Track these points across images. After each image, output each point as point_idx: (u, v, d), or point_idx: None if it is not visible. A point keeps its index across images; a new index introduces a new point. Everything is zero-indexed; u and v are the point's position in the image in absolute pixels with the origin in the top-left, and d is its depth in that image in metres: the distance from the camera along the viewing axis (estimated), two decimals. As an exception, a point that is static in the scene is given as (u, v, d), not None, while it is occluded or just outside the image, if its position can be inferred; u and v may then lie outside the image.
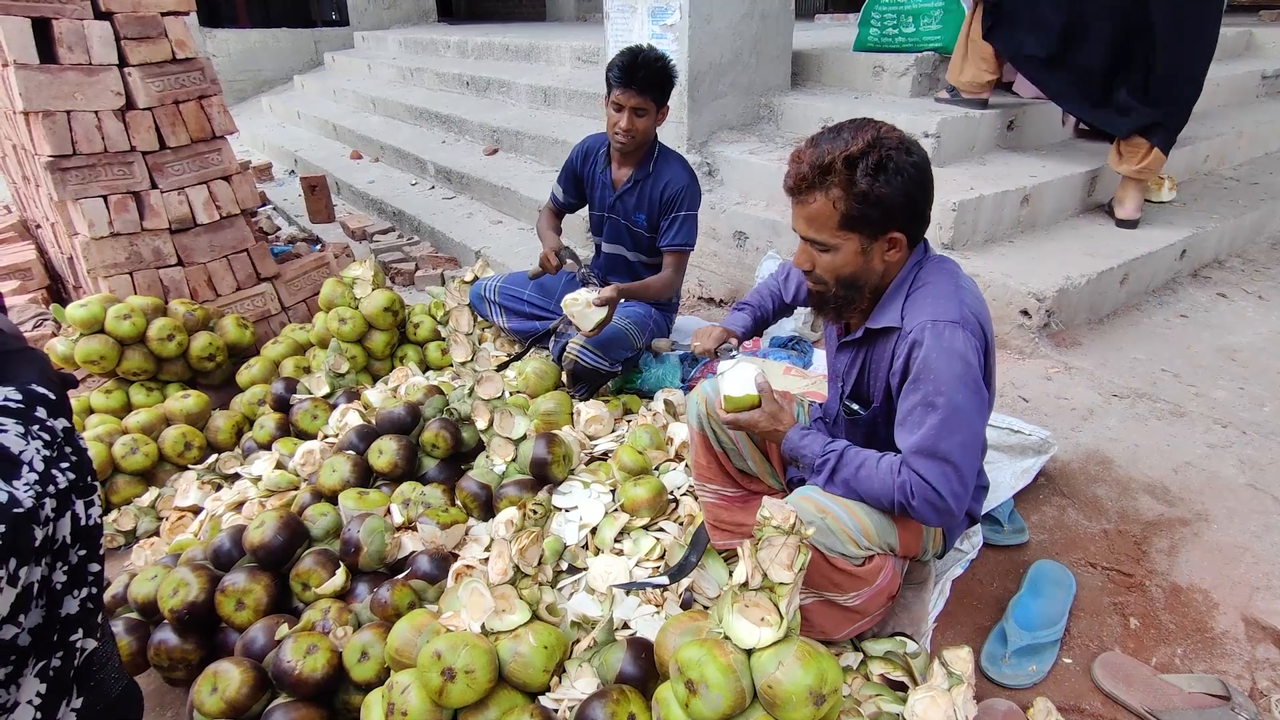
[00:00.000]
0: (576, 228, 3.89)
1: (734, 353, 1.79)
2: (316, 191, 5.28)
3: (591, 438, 2.51)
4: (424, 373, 3.01)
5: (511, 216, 4.53)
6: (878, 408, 1.59)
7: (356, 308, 3.03)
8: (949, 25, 3.46)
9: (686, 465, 2.35)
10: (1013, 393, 2.37)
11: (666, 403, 2.64)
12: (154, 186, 3.13)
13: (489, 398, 2.42)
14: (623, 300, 2.88)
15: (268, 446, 2.65)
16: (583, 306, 2.44)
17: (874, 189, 1.36)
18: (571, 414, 2.54)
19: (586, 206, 2.92)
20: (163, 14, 3.04)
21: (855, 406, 1.64)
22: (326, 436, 2.61)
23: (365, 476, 2.27)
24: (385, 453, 2.25)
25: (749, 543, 1.37)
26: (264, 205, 6.00)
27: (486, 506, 2.15)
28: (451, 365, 2.72)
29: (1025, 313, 2.55)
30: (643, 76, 2.41)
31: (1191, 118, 3.17)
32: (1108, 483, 2.01)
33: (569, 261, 2.74)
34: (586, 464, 2.37)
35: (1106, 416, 2.24)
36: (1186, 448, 2.10)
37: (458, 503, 2.18)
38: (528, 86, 5.60)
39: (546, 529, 1.87)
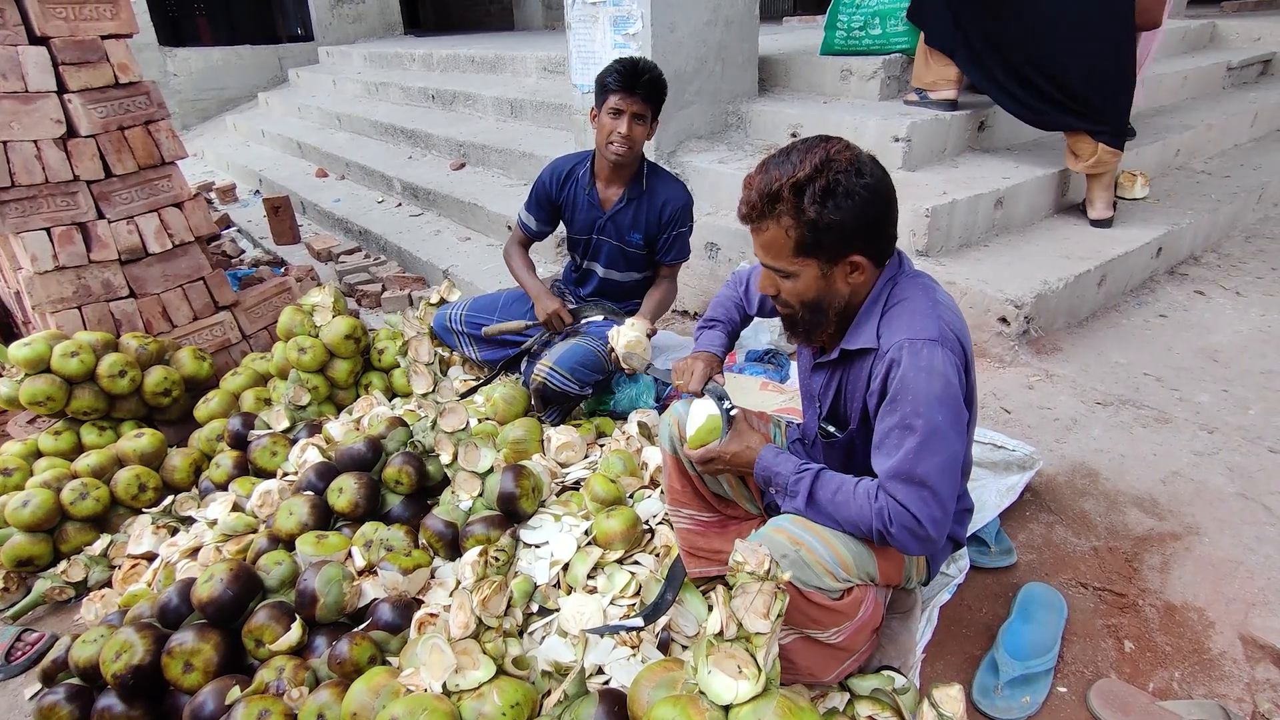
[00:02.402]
0: (545, 244, 3.80)
1: (724, 395, 1.70)
2: (280, 213, 5.15)
3: (563, 465, 2.42)
4: (390, 400, 2.91)
5: (480, 233, 4.43)
6: (855, 430, 1.52)
7: (317, 336, 2.92)
8: (914, 27, 3.41)
9: (662, 491, 2.26)
10: (994, 404, 2.31)
11: (640, 424, 2.55)
12: (101, 216, 3.00)
13: (453, 430, 2.32)
14: (597, 319, 2.79)
15: (225, 486, 2.53)
16: (643, 349, 2.33)
17: (823, 216, 1.29)
18: (542, 441, 2.45)
19: (562, 227, 2.81)
20: (103, 37, 2.92)
21: (832, 429, 1.57)
22: (286, 474, 2.50)
23: (325, 518, 2.16)
24: (345, 492, 2.14)
25: (722, 590, 1.28)
26: (228, 227, 5.87)
27: (453, 546, 2.05)
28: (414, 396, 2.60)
29: (1004, 320, 2.49)
30: (646, 82, 2.34)
31: (1161, 111, 3.15)
32: (1095, 496, 1.95)
33: (588, 308, 2.67)
34: (558, 494, 2.28)
35: (1091, 426, 2.18)
36: (1173, 456, 2.04)
37: (422, 542, 2.08)
38: (494, 99, 5.51)
39: (511, 575, 1.77)
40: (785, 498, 1.51)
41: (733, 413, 1.63)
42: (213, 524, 2.34)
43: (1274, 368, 2.42)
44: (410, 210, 5.04)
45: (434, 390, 2.54)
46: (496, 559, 1.73)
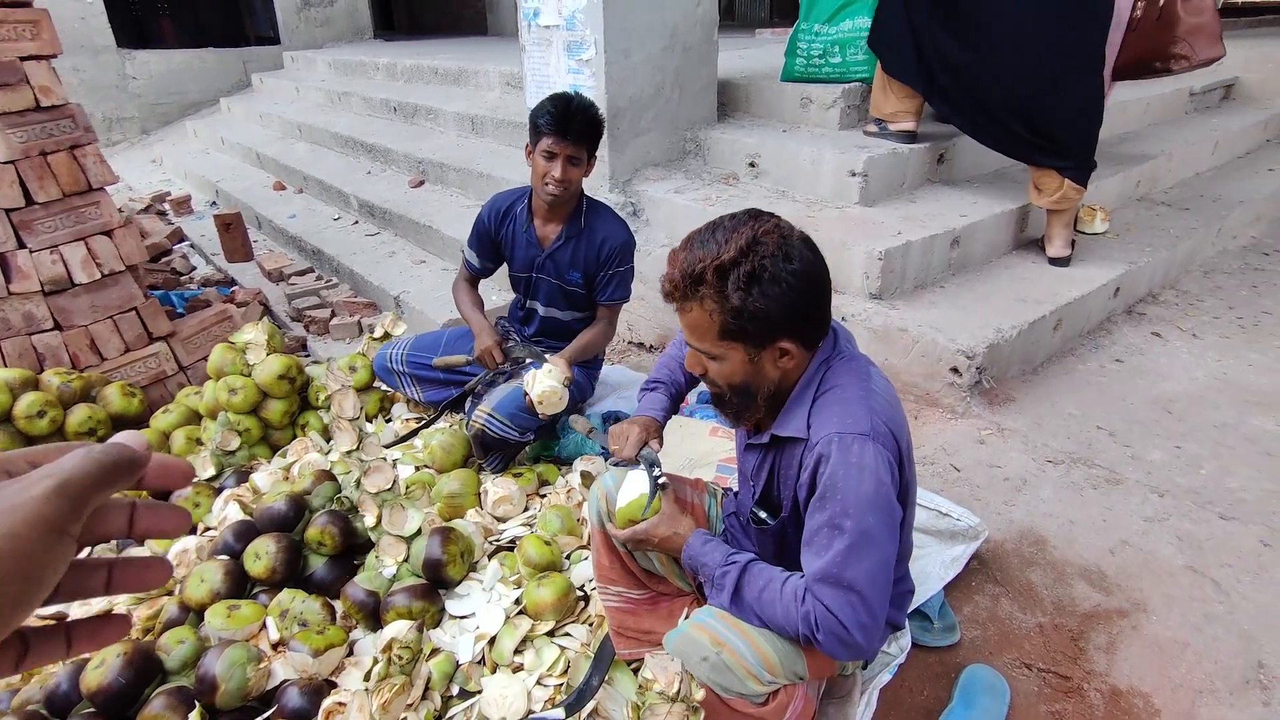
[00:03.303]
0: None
1: (655, 463, 1.61)
2: (232, 230, 4.99)
3: (501, 519, 2.32)
4: (328, 441, 2.78)
5: (435, 255, 4.31)
6: (786, 518, 1.43)
7: (249, 375, 2.79)
8: (874, 55, 3.35)
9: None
10: (944, 460, 2.24)
11: (584, 474, 2.46)
12: (22, 246, 2.85)
13: (377, 490, 2.20)
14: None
15: (142, 541, 2.40)
16: (558, 398, 2.28)
17: (748, 303, 1.21)
18: (479, 494, 2.34)
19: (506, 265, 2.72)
20: (22, 59, 2.77)
21: (764, 515, 1.48)
22: (209, 529, 2.37)
23: (240, 584, 2.04)
24: (263, 556, 2.02)
25: (631, 709, 1.19)
26: (180, 241, 5.69)
27: (375, 616, 1.94)
28: (342, 450, 2.47)
29: (955, 370, 2.42)
30: (578, 125, 2.25)
31: (1124, 139, 3.10)
32: (1043, 566, 1.88)
33: (518, 347, 2.58)
34: (492, 554, 2.17)
35: (1040, 487, 2.12)
36: (1123, 523, 1.99)
37: (342, 611, 1.96)
38: (455, 114, 5.38)
39: (415, 673, 1.66)
40: (711, 589, 1.42)
41: (662, 483, 1.54)
42: (126, 584, 2.20)
43: (1227, 420, 2.38)
44: (366, 229, 4.90)
45: (359, 447, 2.42)
46: (400, 657, 1.62)
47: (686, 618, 1.71)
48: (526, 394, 2.28)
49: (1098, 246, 3.23)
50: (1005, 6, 2.66)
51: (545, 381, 2.26)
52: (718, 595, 1.39)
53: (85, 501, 0.39)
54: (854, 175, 3.03)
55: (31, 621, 0.42)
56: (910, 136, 3.20)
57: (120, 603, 2.14)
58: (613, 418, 2.83)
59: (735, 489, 1.86)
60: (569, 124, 2.23)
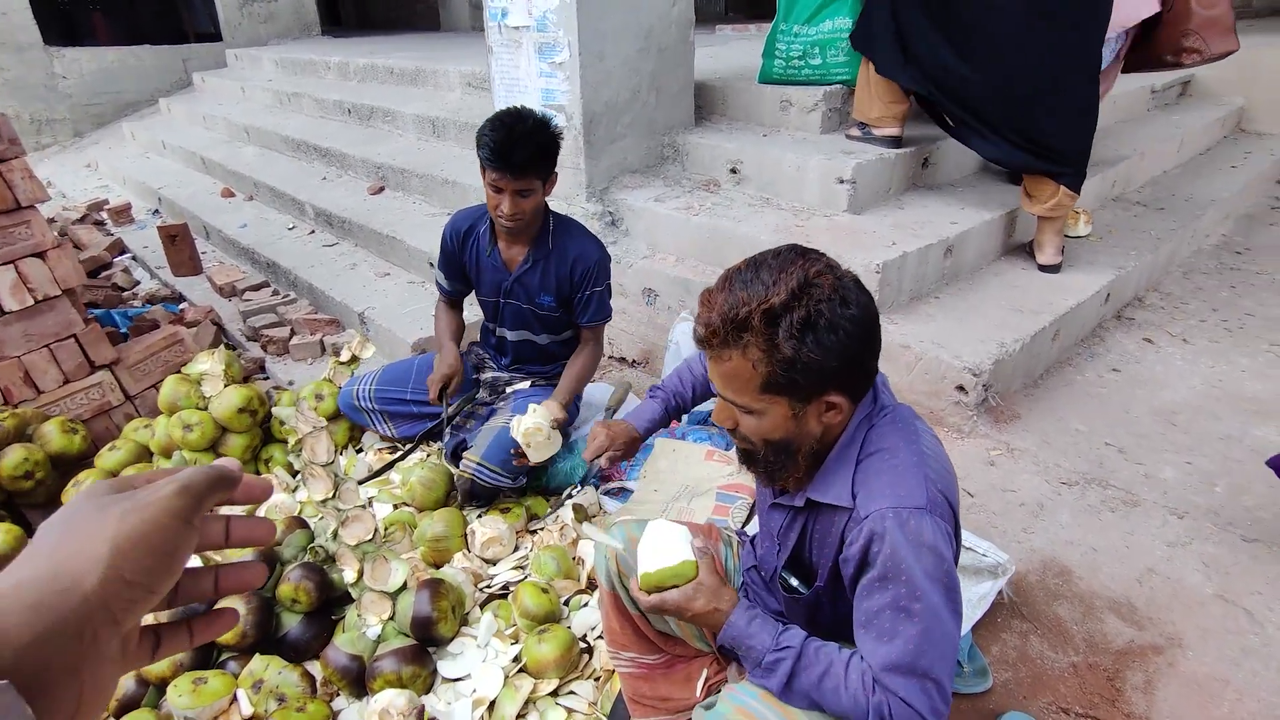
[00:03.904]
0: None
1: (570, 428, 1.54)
2: (178, 242, 4.69)
3: (490, 561, 2.16)
4: (294, 476, 2.58)
5: (399, 267, 4.10)
6: (822, 588, 1.31)
7: (205, 409, 2.57)
8: (855, 57, 3.25)
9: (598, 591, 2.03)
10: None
11: (576, 509, 2.32)
12: (-57, 273, 2.59)
13: (357, 542, 2.03)
14: (523, 387, 2.54)
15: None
16: (545, 438, 2.13)
17: (801, 353, 1.08)
18: (465, 535, 2.18)
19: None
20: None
21: (795, 582, 1.35)
22: (166, 583, 2.17)
23: (206, 651, 1.85)
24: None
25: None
26: (121, 254, 5.35)
27: (359, 682, 1.77)
28: (311, 500, 2.28)
29: (961, 388, 2.34)
30: (522, 159, 2.03)
31: (1096, 138, 3.02)
32: (1070, 600, 1.81)
33: (462, 400, 2.43)
34: (484, 603, 2.02)
35: (1058, 511, 2.05)
36: (1146, 549, 1.92)
37: (322, 679, 1.79)
38: (414, 116, 5.16)
39: None
40: (758, 671, 1.29)
41: (697, 546, 1.39)
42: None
43: (1230, 432, 2.35)
44: (324, 239, 4.65)
45: (335, 495, 2.24)
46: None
47: (706, 682, 1.59)
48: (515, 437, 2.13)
49: (1083, 251, 3.19)
50: (1006, 5, 2.56)
51: (527, 421, 2.10)
52: (766, 679, 1.25)
53: (201, 500, 0.49)
54: (842, 182, 2.94)
55: (160, 618, 0.55)
56: (895, 141, 3.12)
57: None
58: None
59: (749, 532, 1.74)
60: (512, 158, 2.03)
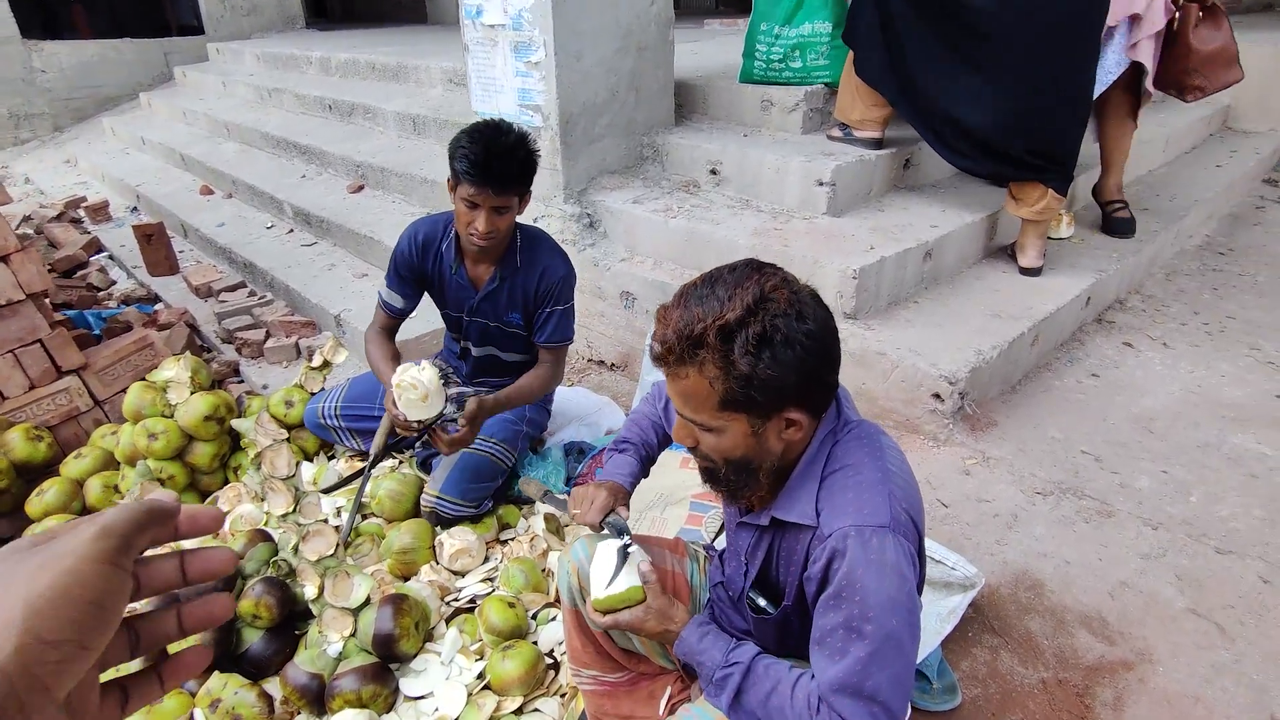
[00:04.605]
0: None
1: (624, 531, 1.44)
2: (154, 241, 4.62)
3: (459, 573, 2.13)
4: (251, 464, 2.53)
5: (378, 269, 4.05)
6: (790, 606, 1.28)
7: (171, 416, 2.53)
8: (836, 59, 3.22)
9: (569, 608, 2.00)
10: (930, 495, 2.13)
11: (548, 518, 2.28)
12: (-99, 278, 2.53)
13: (318, 557, 1.99)
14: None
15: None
16: (419, 397, 1.96)
17: (758, 370, 1.05)
18: (433, 547, 2.15)
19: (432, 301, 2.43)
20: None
21: (763, 602, 1.32)
22: (128, 597, 2.12)
23: (164, 669, 1.81)
24: (188, 638, 1.79)
25: None
26: (98, 252, 5.28)
27: (318, 701, 1.73)
28: (272, 515, 2.23)
29: (937, 396, 2.32)
30: (500, 173, 1.94)
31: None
32: (1041, 614, 1.78)
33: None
34: (450, 617, 1.98)
35: (1032, 523, 2.03)
36: (1120, 561, 1.90)
37: (281, 698, 1.75)
38: (395, 113, 5.09)
39: None
40: (710, 689, 1.27)
41: (643, 570, 1.37)
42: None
43: (1208, 440, 2.33)
44: (302, 239, 4.59)
45: (295, 510, 2.19)
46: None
47: (669, 700, 1.56)
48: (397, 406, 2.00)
49: (1065, 253, 3.17)
50: (1005, 10, 2.49)
51: (410, 374, 1.97)
52: (716, 696, 1.24)
53: (128, 541, 0.44)
54: (821, 185, 2.90)
55: (128, 669, 0.50)
56: (876, 143, 3.08)
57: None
58: (575, 449, 2.66)
59: (718, 548, 1.71)
60: (491, 171, 1.92)
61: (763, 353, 1.05)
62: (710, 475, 1.26)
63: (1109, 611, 1.77)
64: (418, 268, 2.26)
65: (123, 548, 0.43)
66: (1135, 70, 2.99)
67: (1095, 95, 2.86)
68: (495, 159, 1.92)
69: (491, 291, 2.23)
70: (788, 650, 1.37)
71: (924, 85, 2.72)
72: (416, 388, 1.95)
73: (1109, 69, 2.94)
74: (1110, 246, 3.28)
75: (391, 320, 2.36)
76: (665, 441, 1.70)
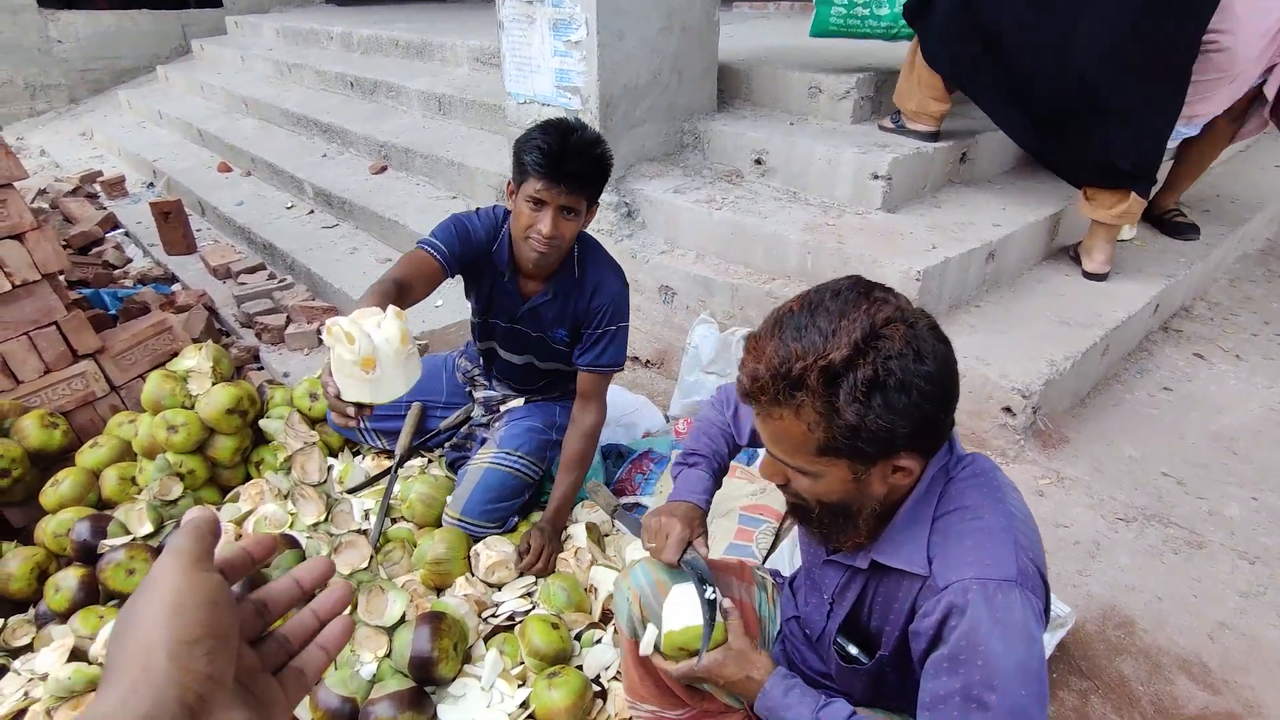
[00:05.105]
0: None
1: (706, 577, 1.30)
2: (171, 219, 4.50)
3: (495, 585, 2.00)
4: (287, 481, 2.41)
5: (402, 253, 3.91)
6: (886, 658, 1.15)
7: (192, 408, 2.40)
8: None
9: (615, 631, 1.87)
10: (1002, 516, 1.98)
11: (589, 528, 2.15)
12: (-89, 256, 2.41)
13: (351, 570, 1.86)
14: (516, 404, 2.32)
15: (67, 617, 2.02)
16: (354, 358, 1.31)
17: (867, 419, 0.91)
18: (468, 557, 2.02)
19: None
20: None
21: (854, 650, 1.19)
22: (145, 602, 2.00)
23: (185, 686, 1.69)
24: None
25: None
26: (113, 229, 5.16)
27: (351, 728, 1.61)
28: (303, 525, 2.10)
29: (1008, 410, 2.17)
30: (576, 170, 1.74)
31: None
32: (1134, 655, 1.64)
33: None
34: (489, 635, 1.86)
35: (1115, 551, 1.88)
36: (1216, 598, 1.76)
37: (311, 722, 1.63)
38: (420, 92, 4.94)
39: None
40: None
41: (726, 607, 1.23)
42: (44, 678, 1.84)
43: (1297, 462, 2.18)
44: (323, 220, 4.46)
45: (327, 519, 2.07)
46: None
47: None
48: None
49: (1128, 256, 2.99)
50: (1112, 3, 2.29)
51: (350, 321, 1.34)
52: (805, 757, 1.10)
53: (196, 547, 0.49)
54: (877, 178, 2.74)
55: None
56: (932, 136, 2.91)
57: (39, 703, 1.78)
58: (614, 453, 2.52)
59: (785, 575, 1.58)
60: (564, 166, 1.72)
61: (873, 400, 0.90)
62: (800, 514, 1.13)
63: (1209, 655, 1.63)
64: (476, 250, 1.96)
65: (197, 553, 0.49)
66: (1247, 97, 2.77)
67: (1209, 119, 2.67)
68: (571, 153, 1.72)
69: (541, 304, 2.03)
70: (881, 700, 1.24)
71: (1016, 71, 2.49)
72: (353, 341, 1.28)
73: (1229, 94, 2.70)
74: (1175, 250, 3.11)
75: (435, 264, 1.85)
76: (736, 450, 1.56)
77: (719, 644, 1.19)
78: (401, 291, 1.70)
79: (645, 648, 1.23)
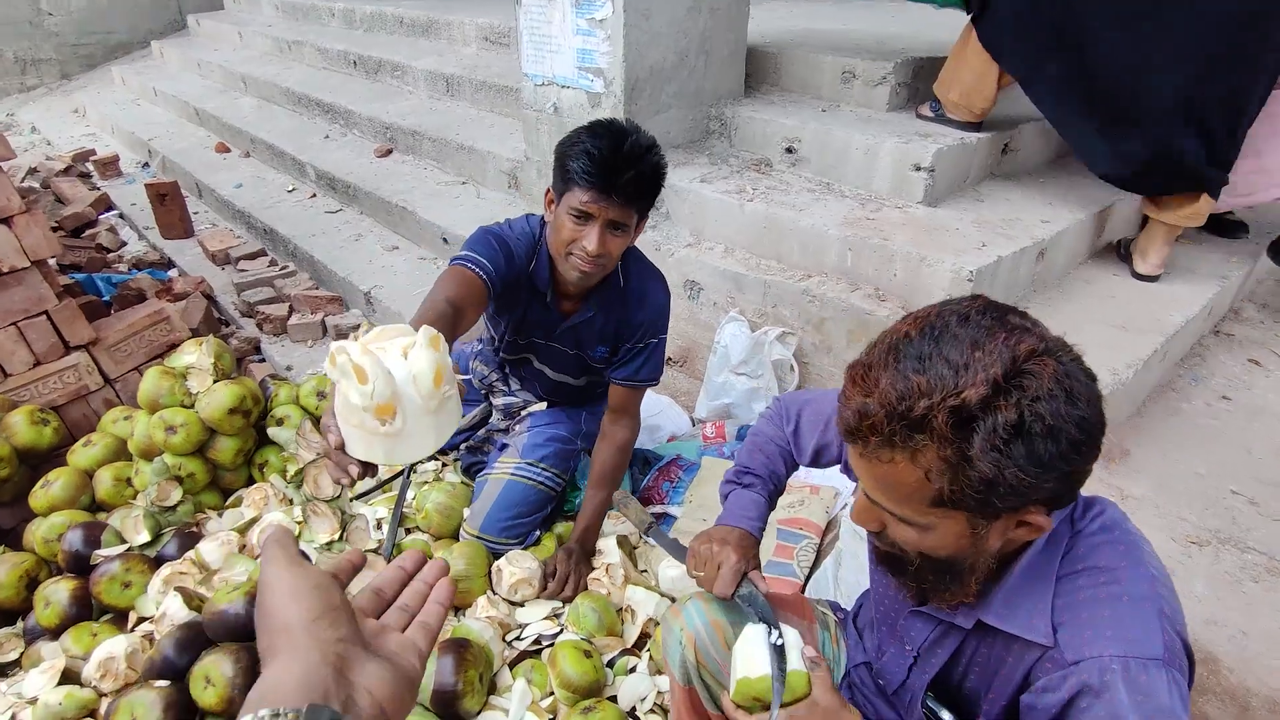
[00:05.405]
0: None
1: (767, 616, 1.15)
2: (168, 202, 4.33)
3: (518, 604, 1.87)
4: (292, 485, 2.27)
5: (410, 241, 3.75)
6: (985, 730, 1.01)
7: (192, 407, 2.25)
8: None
9: (651, 656, 1.74)
10: (1065, 538, 1.85)
11: (620, 540, 2.02)
12: (-110, 241, 2.25)
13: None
14: (539, 408, 2.17)
15: (57, 633, 1.88)
16: (363, 402, 0.94)
17: (1005, 472, 0.76)
18: (489, 574, 1.88)
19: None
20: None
21: (947, 717, 1.05)
22: (143, 620, 1.87)
23: (186, 715, 1.56)
24: (216, 682, 1.53)
25: None
26: (108, 211, 4.98)
27: (368, 768, 1.48)
28: (315, 543, 1.94)
29: (1069, 421, 2.03)
30: (631, 181, 1.54)
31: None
32: (1220, 696, 1.52)
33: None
34: (514, 662, 1.72)
35: (1191, 579, 1.75)
36: (1305, 633, 1.63)
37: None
38: (426, 71, 4.75)
39: None
40: None
41: (809, 655, 1.09)
42: (32, 702, 1.70)
43: (1371, 481, 2.05)
44: (326, 205, 4.29)
45: (342, 536, 1.92)
46: None
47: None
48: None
49: (1176, 255, 2.85)
50: None
51: (360, 349, 0.96)
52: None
53: (282, 549, 0.60)
54: (919, 170, 2.58)
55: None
56: (975, 126, 2.76)
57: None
58: (640, 459, 2.38)
59: (843, 605, 1.44)
60: (617, 176, 1.51)
61: (1014, 449, 0.76)
62: (893, 564, 0.98)
63: (1303, 698, 1.50)
64: (516, 271, 1.73)
65: (292, 554, 0.60)
66: None
67: None
68: (624, 160, 1.51)
69: (582, 323, 1.86)
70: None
71: (1091, 65, 2.28)
72: (365, 380, 0.91)
73: None
74: (1223, 248, 2.97)
75: (478, 281, 1.59)
76: (794, 469, 1.42)
77: (800, 697, 1.05)
78: (456, 315, 1.45)
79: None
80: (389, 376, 0.92)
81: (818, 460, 1.34)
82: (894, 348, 0.82)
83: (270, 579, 0.57)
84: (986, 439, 0.75)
